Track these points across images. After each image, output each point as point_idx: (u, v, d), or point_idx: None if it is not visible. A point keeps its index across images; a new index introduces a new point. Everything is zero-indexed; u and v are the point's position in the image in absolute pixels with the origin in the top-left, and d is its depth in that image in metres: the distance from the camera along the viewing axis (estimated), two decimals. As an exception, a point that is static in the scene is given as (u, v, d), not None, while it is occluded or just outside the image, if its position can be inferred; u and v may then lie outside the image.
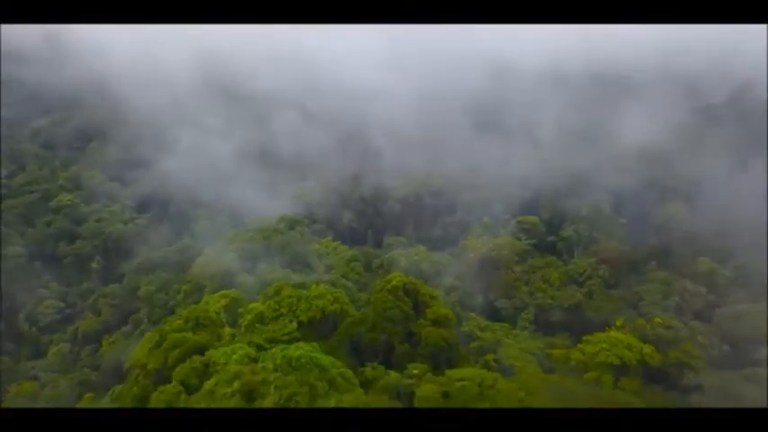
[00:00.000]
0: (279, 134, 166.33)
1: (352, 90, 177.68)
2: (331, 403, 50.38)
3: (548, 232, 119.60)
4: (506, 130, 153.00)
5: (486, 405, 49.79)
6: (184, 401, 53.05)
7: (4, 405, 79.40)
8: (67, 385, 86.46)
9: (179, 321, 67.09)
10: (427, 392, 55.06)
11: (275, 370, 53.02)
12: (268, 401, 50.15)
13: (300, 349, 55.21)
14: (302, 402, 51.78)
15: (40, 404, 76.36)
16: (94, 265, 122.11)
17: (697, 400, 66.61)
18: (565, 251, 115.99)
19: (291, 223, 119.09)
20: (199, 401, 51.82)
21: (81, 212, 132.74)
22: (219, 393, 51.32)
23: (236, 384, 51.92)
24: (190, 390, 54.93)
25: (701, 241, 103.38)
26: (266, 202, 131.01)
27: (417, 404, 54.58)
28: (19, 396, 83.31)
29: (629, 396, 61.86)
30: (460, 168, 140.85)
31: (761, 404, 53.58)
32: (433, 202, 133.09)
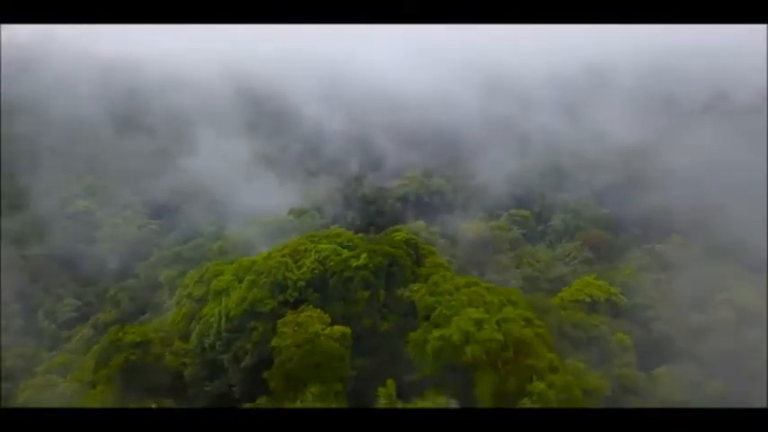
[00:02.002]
0: (294, 136, 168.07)
1: (366, 92, 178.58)
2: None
3: (537, 224, 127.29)
4: (502, 131, 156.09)
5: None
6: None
7: (38, 380, 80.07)
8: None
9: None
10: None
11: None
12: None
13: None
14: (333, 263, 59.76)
15: (68, 378, 76.45)
16: (110, 265, 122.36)
17: (656, 328, 75.65)
18: (553, 238, 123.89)
19: (300, 213, 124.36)
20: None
21: (96, 217, 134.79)
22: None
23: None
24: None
25: (677, 229, 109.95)
26: (277, 204, 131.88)
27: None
28: (50, 371, 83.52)
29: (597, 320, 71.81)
30: (458, 168, 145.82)
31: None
32: (431, 200, 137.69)
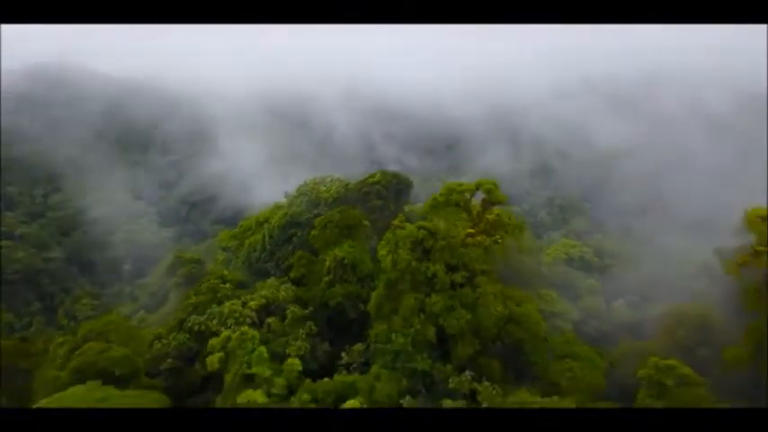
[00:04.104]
0: (306, 140, 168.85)
1: (374, 102, 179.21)
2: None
3: (527, 218, 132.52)
4: (498, 136, 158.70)
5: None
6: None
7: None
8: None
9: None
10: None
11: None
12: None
13: None
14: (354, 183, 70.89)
15: None
16: (126, 267, 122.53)
17: (619, 279, 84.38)
18: (541, 231, 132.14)
19: None
20: None
21: (112, 225, 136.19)
22: None
23: None
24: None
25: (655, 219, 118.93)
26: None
27: None
28: None
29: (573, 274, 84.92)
30: (456, 171, 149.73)
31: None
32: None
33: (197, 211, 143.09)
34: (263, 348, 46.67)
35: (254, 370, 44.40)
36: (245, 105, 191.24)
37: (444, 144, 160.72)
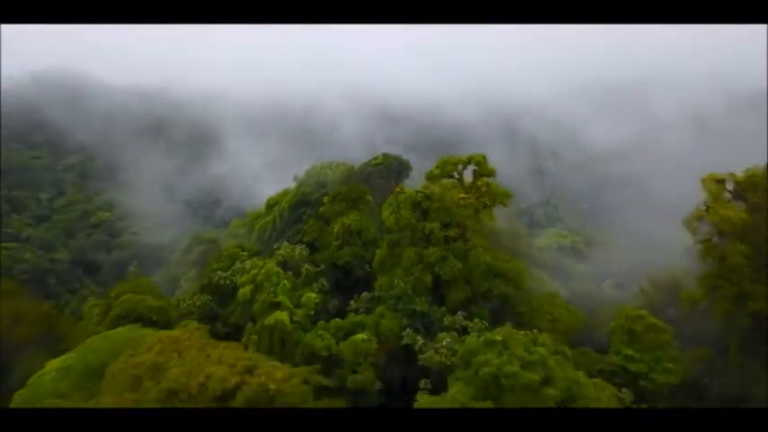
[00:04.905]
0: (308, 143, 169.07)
1: (375, 103, 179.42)
2: None
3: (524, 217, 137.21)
4: (496, 138, 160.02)
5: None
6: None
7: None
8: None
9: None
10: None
11: None
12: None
13: None
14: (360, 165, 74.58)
15: None
16: (132, 268, 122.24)
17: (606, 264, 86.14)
18: (539, 231, 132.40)
19: None
20: None
21: (117, 227, 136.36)
22: None
23: None
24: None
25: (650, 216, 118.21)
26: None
27: None
28: None
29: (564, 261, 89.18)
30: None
31: None
32: None
33: (200, 214, 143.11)
34: (285, 281, 52.33)
35: (279, 298, 49.97)
36: (248, 109, 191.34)
37: (445, 145, 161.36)
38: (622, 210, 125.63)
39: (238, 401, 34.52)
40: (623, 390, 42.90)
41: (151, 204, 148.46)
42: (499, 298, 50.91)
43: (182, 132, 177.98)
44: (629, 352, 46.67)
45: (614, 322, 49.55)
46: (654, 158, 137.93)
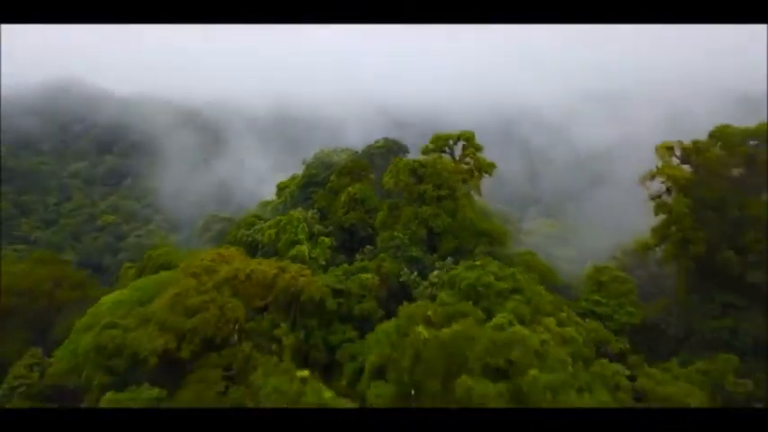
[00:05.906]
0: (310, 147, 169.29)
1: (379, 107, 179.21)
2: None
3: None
4: (495, 141, 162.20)
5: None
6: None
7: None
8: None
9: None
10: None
11: None
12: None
13: None
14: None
15: None
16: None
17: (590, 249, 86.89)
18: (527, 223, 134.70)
19: None
20: None
21: (122, 230, 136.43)
22: None
23: None
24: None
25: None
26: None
27: None
28: None
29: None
30: None
31: None
32: None
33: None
34: (304, 224, 60.34)
35: (299, 236, 58.10)
36: (253, 112, 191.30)
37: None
38: (610, 206, 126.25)
39: (278, 287, 44.74)
40: (587, 320, 47.54)
41: (156, 208, 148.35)
42: (483, 254, 56.37)
43: (187, 137, 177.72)
44: (597, 297, 51.75)
45: (584, 274, 55.73)
46: (643, 159, 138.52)
